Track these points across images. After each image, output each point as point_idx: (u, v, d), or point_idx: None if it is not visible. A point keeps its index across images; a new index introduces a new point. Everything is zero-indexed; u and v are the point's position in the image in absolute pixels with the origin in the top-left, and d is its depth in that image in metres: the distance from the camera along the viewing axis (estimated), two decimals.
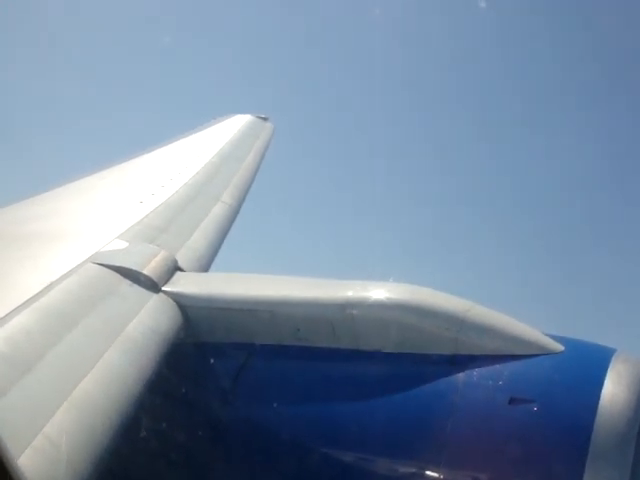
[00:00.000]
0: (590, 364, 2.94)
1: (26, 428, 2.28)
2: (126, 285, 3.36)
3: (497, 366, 2.94)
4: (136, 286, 3.39)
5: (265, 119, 10.14)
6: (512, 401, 2.79)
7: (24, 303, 2.85)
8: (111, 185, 5.86)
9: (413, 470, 2.88)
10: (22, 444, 2.21)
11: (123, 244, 3.80)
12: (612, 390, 2.73)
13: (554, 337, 3.06)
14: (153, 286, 3.45)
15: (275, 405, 3.15)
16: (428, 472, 2.81)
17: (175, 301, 3.44)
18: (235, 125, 9.19)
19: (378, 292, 3.28)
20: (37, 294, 2.94)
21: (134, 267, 3.46)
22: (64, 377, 2.58)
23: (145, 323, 3.18)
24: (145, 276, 3.45)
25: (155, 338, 3.19)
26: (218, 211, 5.83)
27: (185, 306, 3.44)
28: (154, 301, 3.38)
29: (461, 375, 2.94)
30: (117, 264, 3.45)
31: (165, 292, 3.47)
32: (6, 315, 2.72)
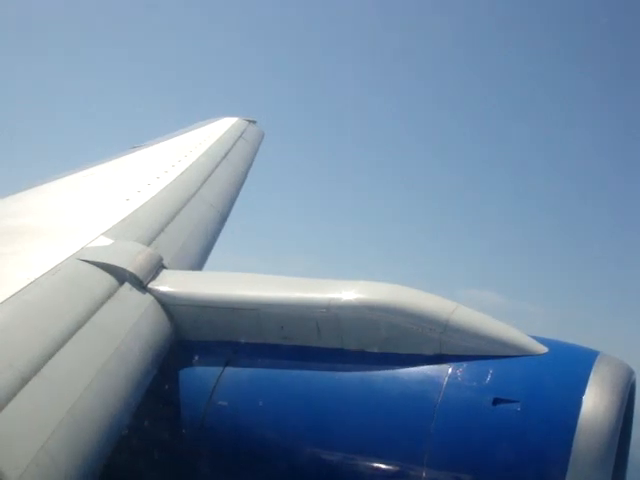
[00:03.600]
0: (573, 366, 2.96)
1: (29, 442, 2.29)
2: (112, 283, 3.34)
3: (481, 367, 2.95)
4: (123, 284, 3.38)
5: (253, 122, 10.11)
6: (496, 401, 2.80)
7: (7, 299, 2.84)
8: (97, 182, 5.82)
9: (397, 469, 2.88)
10: (25, 459, 2.21)
11: (108, 241, 3.78)
12: (595, 392, 2.74)
13: (538, 339, 3.07)
14: (138, 284, 3.44)
15: (259, 403, 3.14)
16: (412, 471, 2.81)
17: (160, 299, 3.43)
18: (223, 127, 9.14)
19: (363, 292, 3.28)
20: (21, 290, 2.92)
21: (120, 264, 3.44)
22: (64, 389, 2.59)
23: (137, 329, 3.19)
24: (130, 273, 3.43)
25: (146, 344, 3.21)
26: (206, 210, 5.81)
27: (170, 304, 3.43)
28: (142, 302, 3.38)
29: (445, 375, 2.94)
30: (103, 261, 3.43)
31: (150, 290, 3.46)
32: None
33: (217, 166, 7.13)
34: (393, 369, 3.07)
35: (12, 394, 2.35)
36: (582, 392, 2.73)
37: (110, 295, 3.24)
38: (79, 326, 2.89)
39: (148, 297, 3.42)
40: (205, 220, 5.70)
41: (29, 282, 3.00)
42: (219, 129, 8.94)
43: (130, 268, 3.45)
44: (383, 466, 2.91)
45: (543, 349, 3.01)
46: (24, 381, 2.41)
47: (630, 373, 2.90)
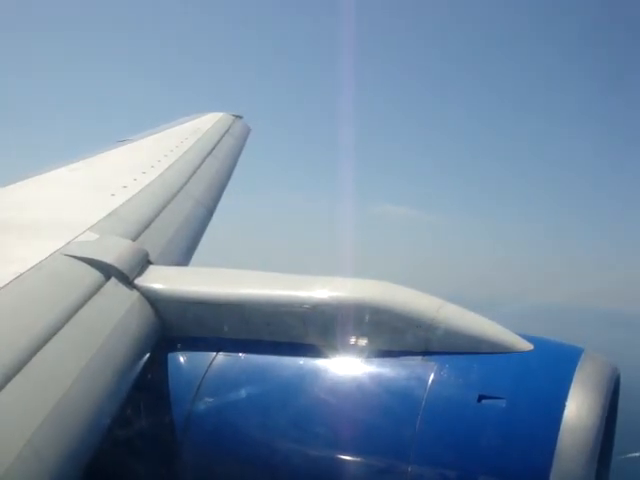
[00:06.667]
0: (558, 363, 2.98)
1: (13, 438, 2.27)
2: (98, 278, 3.33)
3: (466, 364, 2.97)
4: (109, 279, 3.36)
5: (239, 118, 10.09)
6: (481, 399, 2.82)
7: None
8: (83, 177, 5.77)
9: (383, 465, 2.89)
10: (9, 455, 2.20)
11: (94, 236, 3.75)
12: (579, 389, 2.77)
13: (523, 336, 3.10)
14: (124, 279, 3.42)
15: (244, 399, 3.14)
16: (397, 467, 2.83)
17: (146, 295, 3.42)
18: (209, 122, 9.12)
19: (350, 289, 3.30)
20: (5, 286, 2.90)
21: (105, 259, 3.42)
22: (49, 385, 2.57)
23: (123, 324, 3.18)
24: (116, 269, 3.41)
25: (132, 340, 3.19)
26: (192, 206, 5.80)
27: (156, 300, 3.42)
28: (128, 297, 3.36)
29: (431, 372, 2.96)
30: (88, 256, 3.41)
31: (136, 286, 3.44)
32: None
33: (203, 161, 7.12)
34: (379, 366, 3.08)
35: None
36: (567, 389, 2.76)
37: (96, 291, 3.22)
38: (64, 322, 2.87)
39: (134, 293, 3.40)
40: (191, 215, 5.69)
41: (14, 277, 2.98)
42: (205, 124, 8.92)
43: (116, 263, 3.44)
44: (370, 462, 2.93)
45: (528, 346, 3.03)
46: (8, 377, 2.39)
47: (614, 371, 2.93)
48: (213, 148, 7.89)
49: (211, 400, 3.17)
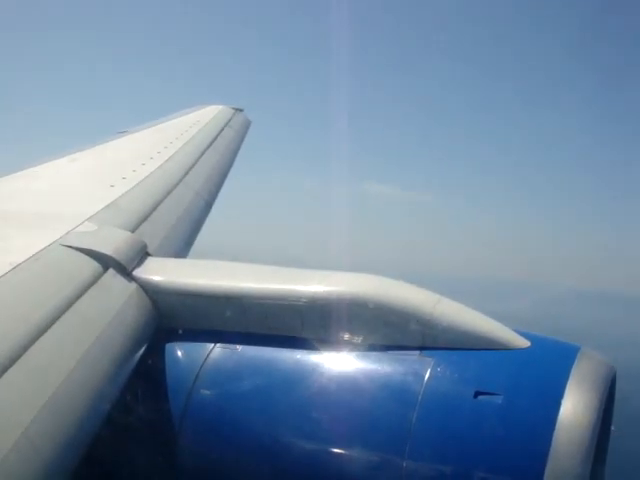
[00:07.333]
0: (555, 360, 2.98)
1: (9, 429, 2.27)
2: (96, 269, 3.33)
3: (463, 360, 2.97)
4: (107, 270, 3.36)
5: (240, 110, 10.08)
6: (477, 395, 2.82)
7: None
8: (82, 168, 5.77)
9: (378, 460, 2.90)
10: (5, 445, 2.20)
11: (93, 227, 3.75)
12: (576, 387, 2.77)
13: (520, 332, 3.10)
14: (122, 270, 3.42)
15: (240, 392, 3.15)
16: (393, 462, 2.83)
17: (144, 286, 3.43)
18: (209, 114, 9.12)
19: (348, 283, 3.30)
20: (2, 276, 2.90)
21: (104, 250, 3.43)
22: (46, 376, 2.57)
23: (120, 316, 3.18)
24: (114, 260, 3.42)
25: (130, 331, 3.20)
26: (191, 198, 5.79)
27: (154, 291, 3.42)
28: (126, 289, 3.37)
29: (427, 368, 2.96)
30: (87, 247, 3.41)
31: (134, 277, 3.45)
32: None
33: (203, 153, 7.11)
34: (376, 361, 3.09)
35: None
36: (563, 386, 2.76)
37: (94, 281, 3.23)
38: (62, 312, 2.88)
39: (132, 284, 3.41)
40: (190, 207, 5.69)
41: (11, 267, 2.98)
42: (205, 116, 8.91)
43: (114, 254, 3.44)
44: (365, 456, 2.93)
45: (525, 343, 3.04)
46: (5, 367, 2.40)
47: (610, 369, 2.94)
48: (213, 140, 7.89)
49: (208, 392, 3.18)
